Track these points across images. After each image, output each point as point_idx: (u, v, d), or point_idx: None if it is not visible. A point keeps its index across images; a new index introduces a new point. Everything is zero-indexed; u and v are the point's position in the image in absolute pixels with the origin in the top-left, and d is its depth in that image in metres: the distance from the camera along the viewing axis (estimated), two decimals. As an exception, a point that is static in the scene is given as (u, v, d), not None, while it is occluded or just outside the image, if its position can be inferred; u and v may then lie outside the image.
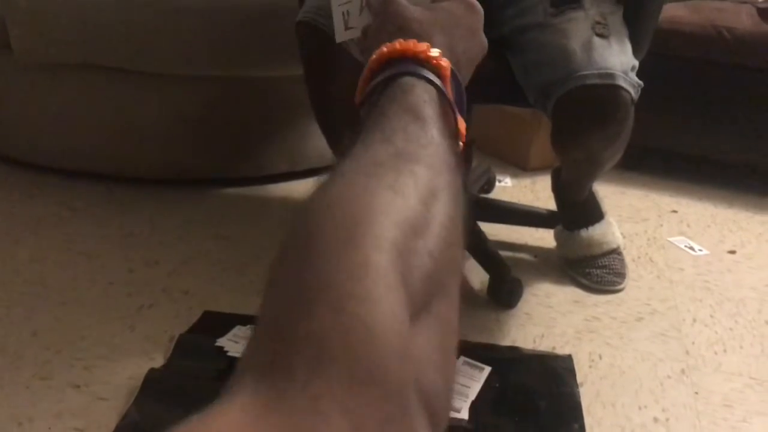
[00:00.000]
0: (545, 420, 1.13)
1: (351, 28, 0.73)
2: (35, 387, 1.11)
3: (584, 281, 1.57)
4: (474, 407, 1.13)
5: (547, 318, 1.44)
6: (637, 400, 1.20)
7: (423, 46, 0.50)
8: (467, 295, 1.50)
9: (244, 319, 1.31)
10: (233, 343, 1.22)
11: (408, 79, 0.48)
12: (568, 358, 1.29)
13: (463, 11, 0.57)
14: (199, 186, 1.93)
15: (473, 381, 1.19)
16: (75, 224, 1.68)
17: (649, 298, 1.55)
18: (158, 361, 1.19)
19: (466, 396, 1.16)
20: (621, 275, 1.59)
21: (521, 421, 1.12)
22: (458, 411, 1.12)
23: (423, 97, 0.47)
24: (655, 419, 1.16)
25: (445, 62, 0.50)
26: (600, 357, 1.32)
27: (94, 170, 1.91)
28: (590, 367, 1.29)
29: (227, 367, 1.17)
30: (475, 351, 1.27)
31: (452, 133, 0.48)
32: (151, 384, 1.11)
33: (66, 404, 1.08)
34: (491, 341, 1.34)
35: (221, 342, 1.22)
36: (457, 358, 1.19)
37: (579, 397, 1.18)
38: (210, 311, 1.35)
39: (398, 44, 0.51)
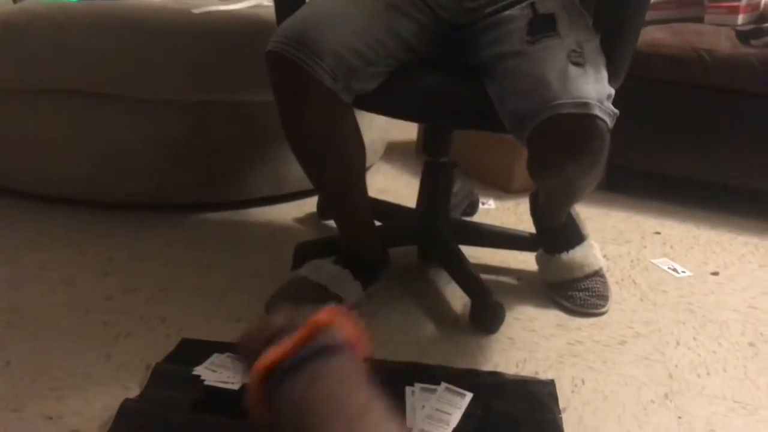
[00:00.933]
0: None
1: None
2: (6, 419, 1.09)
3: (567, 304, 1.57)
4: (455, 435, 1.12)
5: (530, 342, 1.43)
6: (621, 426, 1.19)
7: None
8: (449, 319, 1.49)
9: (221, 347, 1.29)
10: (210, 371, 1.20)
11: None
12: (551, 383, 1.28)
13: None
14: (180, 210, 1.92)
15: (454, 408, 1.18)
16: (53, 250, 1.66)
17: (632, 320, 1.54)
18: (134, 391, 1.17)
19: (447, 423, 1.14)
20: (604, 297, 1.59)
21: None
22: (439, 440, 1.11)
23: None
24: (638, 445, 1.15)
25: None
26: (583, 381, 1.31)
27: (74, 196, 1.90)
28: (573, 392, 1.27)
29: (204, 396, 1.15)
30: (456, 377, 1.26)
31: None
32: (125, 415, 1.09)
33: (39, 435, 1.05)
34: (473, 366, 1.32)
35: (198, 371, 1.20)
36: (438, 385, 1.19)
37: (561, 423, 1.17)
38: (187, 339, 1.33)
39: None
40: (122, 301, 1.46)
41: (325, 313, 0.60)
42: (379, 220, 1.67)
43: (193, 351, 1.28)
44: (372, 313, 1.48)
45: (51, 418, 1.09)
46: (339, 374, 0.54)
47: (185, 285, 1.54)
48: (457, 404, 1.19)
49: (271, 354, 0.57)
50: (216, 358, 1.25)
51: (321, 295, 1.43)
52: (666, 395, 1.28)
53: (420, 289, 1.61)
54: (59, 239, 1.72)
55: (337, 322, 0.61)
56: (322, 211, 1.96)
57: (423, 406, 1.17)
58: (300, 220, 1.94)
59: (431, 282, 1.65)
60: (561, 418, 1.18)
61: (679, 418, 1.21)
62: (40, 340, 1.30)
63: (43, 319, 1.37)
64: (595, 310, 1.56)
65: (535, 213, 1.67)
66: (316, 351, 0.56)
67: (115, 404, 1.11)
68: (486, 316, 1.46)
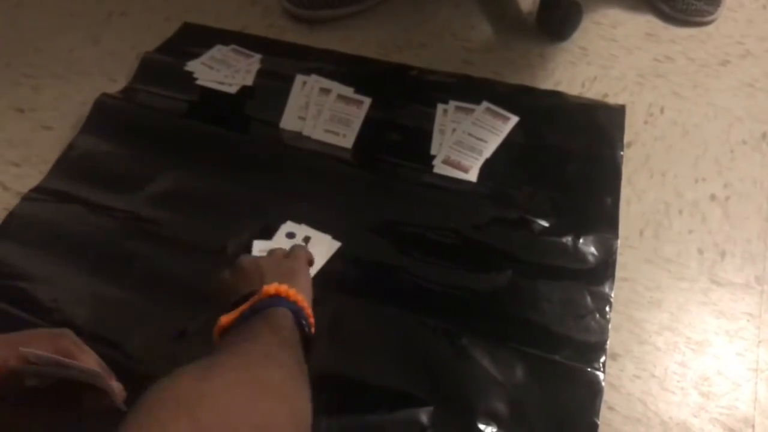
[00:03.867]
0: (574, 188, 0.91)
1: None
2: (-27, 108, 0.96)
3: (665, 8, 1.24)
4: (486, 167, 0.93)
5: (606, 55, 1.15)
6: (696, 171, 0.96)
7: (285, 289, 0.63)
8: (509, 19, 1.21)
9: (227, 37, 1.08)
10: (206, 68, 1.01)
11: (278, 309, 0.61)
12: (620, 110, 1.04)
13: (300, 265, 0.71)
14: None
15: (492, 134, 0.97)
16: None
17: (745, 35, 1.21)
18: (119, 84, 1.00)
19: (480, 153, 0.94)
20: (715, 3, 1.25)
21: (543, 189, 0.90)
22: (466, 171, 0.92)
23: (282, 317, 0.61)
24: (712, 197, 0.93)
25: (300, 297, 0.64)
26: (662, 110, 1.05)
27: None
28: (646, 122, 1.03)
29: (196, 98, 0.98)
30: (502, 95, 1.03)
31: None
32: (100, 113, 0.93)
33: (6, 133, 0.93)
34: (528, 83, 1.08)
35: (192, 66, 1.01)
36: (478, 104, 0.96)
37: (621, 161, 0.95)
38: (190, 23, 1.12)
39: (276, 288, 0.63)
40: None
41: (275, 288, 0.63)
42: None
43: (194, 40, 1.08)
44: (415, 7, 1.21)
45: (23, 110, 0.96)
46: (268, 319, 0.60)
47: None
48: (498, 129, 0.98)
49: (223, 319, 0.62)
50: (217, 51, 1.05)
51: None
52: (764, 136, 1.02)
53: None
54: None
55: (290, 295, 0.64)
56: None
57: (454, 129, 0.97)
58: None
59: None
60: (622, 156, 0.96)
61: (774, 166, 0.97)
62: (22, 14, 1.11)
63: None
64: (700, 18, 1.23)
65: None
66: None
67: (95, 98, 0.96)
68: (557, 18, 1.17)
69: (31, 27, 1.09)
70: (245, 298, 0.63)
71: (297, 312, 0.62)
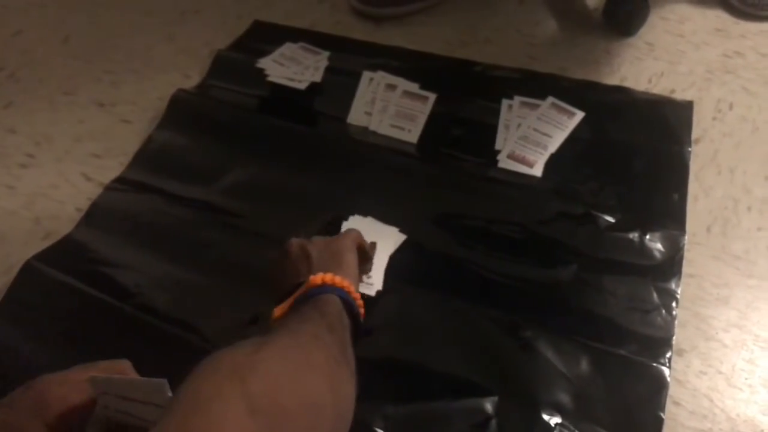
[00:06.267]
0: (640, 184, 0.91)
1: None
2: (59, 103, 1.01)
3: (735, 3, 1.22)
4: (552, 162, 0.93)
5: (674, 51, 1.14)
6: (765, 168, 0.95)
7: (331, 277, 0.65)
8: (575, 14, 1.21)
9: (296, 35, 1.11)
10: (277, 65, 1.04)
11: (326, 296, 0.63)
12: (688, 106, 1.03)
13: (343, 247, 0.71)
14: None
15: (558, 129, 0.97)
16: None
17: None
18: (194, 80, 1.04)
19: (545, 148, 0.95)
20: (788, -4, 1.22)
21: (609, 184, 0.90)
22: (531, 166, 0.93)
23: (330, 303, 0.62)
24: (784, 195, 0.92)
25: (347, 282, 0.65)
26: (730, 106, 1.04)
27: None
28: (714, 118, 1.02)
29: (267, 93, 1.01)
30: (568, 90, 1.03)
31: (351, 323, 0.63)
32: (177, 107, 0.98)
33: (87, 125, 0.97)
34: (594, 78, 1.08)
35: (263, 63, 1.04)
36: (543, 99, 0.96)
37: (689, 157, 0.95)
38: (261, 21, 1.16)
39: (321, 278, 0.64)
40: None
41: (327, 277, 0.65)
42: None
43: (264, 37, 1.11)
44: (480, 4, 1.21)
45: (103, 105, 1.00)
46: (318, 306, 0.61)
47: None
48: (563, 124, 0.98)
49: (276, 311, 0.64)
50: (287, 48, 1.08)
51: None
52: (839, 132, 1.00)
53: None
54: None
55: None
56: None
57: (519, 125, 0.98)
58: None
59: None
60: (690, 151, 0.95)
61: None
62: (102, 14, 1.17)
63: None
64: (771, 12, 1.21)
65: None
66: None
67: (171, 94, 1.00)
68: (624, 13, 1.16)
69: (110, 25, 1.14)
70: (295, 288, 0.66)
71: (344, 297, 0.64)
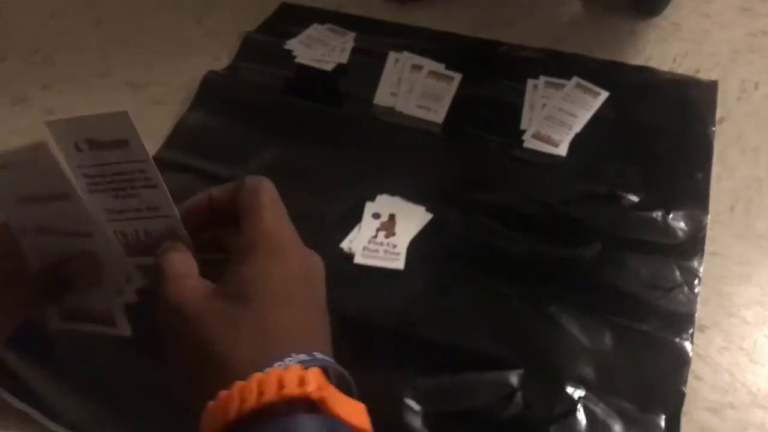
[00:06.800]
0: (664, 164, 0.92)
1: None
2: (93, 85, 1.04)
3: (762, -19, 1.22)
4: (576, 141, 0.94)
5: (699, 30, 1.14)
6: (791, 150, 0.96)
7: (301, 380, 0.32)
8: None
9: (324, 16, 1.12)
10: (304, 46, 1.06)
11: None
12: (713, 86, 1.03)
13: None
14: None
15: (582, 109, 0.98)
16: None
17: None
18: (223, 62, 1.07)
19: (570, 127, 0.96)
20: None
21: (633, 164, 0.92)
22: (556, 145, 0.94)
23: None
24: (808, 173, 0.93)
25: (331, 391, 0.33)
26: (756, 86, 1.04)
27: None
28: (739, 99, 1.02)
29: (294, 75, 1.03)
30: (593, 71, 1.04)
31: None
32: (208, 88, 1.00)
33: (121, 107, 0.99)
34: (618, 58, 1.09)
35: (290, 45, 1.06)
36: (568, 79, 0.97)
37: (713, 137, 0.95)
38: (288, 3, 1.17)
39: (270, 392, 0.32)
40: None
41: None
42: None
43: (291, 19, 1.13)
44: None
45: (136, 86, 1.03)
46: None
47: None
48: (587, 104, 0.99)
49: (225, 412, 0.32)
50: (314, 30, 1.10)
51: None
52: None
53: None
54: None
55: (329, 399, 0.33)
56: None
57: (544, 105, 0.99)
58: None
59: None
60: (714, 131, 0.96)
61: None
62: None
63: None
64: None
65: None
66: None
67: (202, 75, 1.02)
68: (650, -8, 1.17)
69: (141, 9, 1.16)
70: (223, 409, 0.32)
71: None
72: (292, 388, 0.31)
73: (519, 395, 0.71)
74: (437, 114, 0.99)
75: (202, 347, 0.35)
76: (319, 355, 0.35)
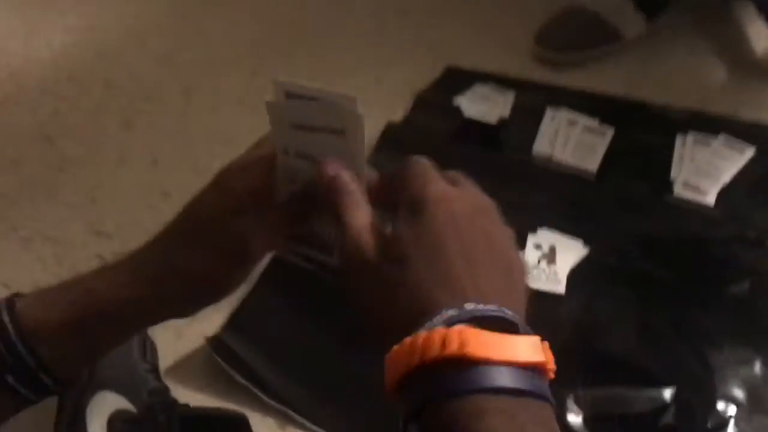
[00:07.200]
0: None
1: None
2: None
3: None
4: (724, 192, 1.02)
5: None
6: None
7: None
8: (745, 63, 1.29)
9: (485, 77, 1.27)
10: (470, 102, 1.20)
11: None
12: None
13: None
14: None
15: (730, 163, 1.06)
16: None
17: None
18: (398, 116, 1.23)
19: (717, 179, 1.04)
20: None
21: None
22: (705, 194, 1.03)
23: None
24: None
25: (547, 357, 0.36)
26: None
27: None
28: None
29: (460, 126, 1.17)
30: (739, 129, 1.12)
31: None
32: (387, 137, 1.16)
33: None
34: (765, 120, 1.16)
35: (457, 101, 1.20)
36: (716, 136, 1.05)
37: None
38: (452, 67, 1.33)
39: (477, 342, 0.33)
40: (394, 25, 1.48)
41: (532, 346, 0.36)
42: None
43: (457, 80, 1.28)
44: (653, 51, 1.33)
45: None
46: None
47: (456, 9, 1.50)
48: (734, 159, 1.07)
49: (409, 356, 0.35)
50: (478, 88, 1.24)
51: (596, 26, 1.31)
52: None
53: (716, 25, 1.39)
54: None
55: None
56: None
57: (693, 159, 1.08)
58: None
59: (732, 18, 1.41)
60: None
61: None
62: (322, 57, 1.39)
63: (323, 35, 1.46)
64: None
65: None
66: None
67: (382, 126, 1.18)
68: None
69: (329, 67, 1.35)
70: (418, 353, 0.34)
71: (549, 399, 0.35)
72: (471, 347, 0.33)
73: (672, 410, 0.79)
74: (591, 163, 1.09)
75: (380, 299, 0.40)
76: (484, 307, 0.36)
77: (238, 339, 0.88)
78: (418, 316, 0.36)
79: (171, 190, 1.12)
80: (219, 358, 0.85)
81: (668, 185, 1.04)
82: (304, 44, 1.43)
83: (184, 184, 1.13)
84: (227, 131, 1.22)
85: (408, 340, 0.34)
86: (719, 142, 1.10)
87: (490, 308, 0.36)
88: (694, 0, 1.42)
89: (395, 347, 0.35)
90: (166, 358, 0.87)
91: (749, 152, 1.08)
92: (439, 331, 0.34)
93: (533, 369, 0.35)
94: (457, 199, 0.43)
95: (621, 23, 1.32)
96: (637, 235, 0.98)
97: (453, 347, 0.32)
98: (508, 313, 0.36)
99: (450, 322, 0.34)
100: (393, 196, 0.45)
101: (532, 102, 1.20)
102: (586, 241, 0.97)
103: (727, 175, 1.05)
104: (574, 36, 1.32)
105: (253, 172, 0.51)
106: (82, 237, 1.07)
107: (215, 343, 0.87)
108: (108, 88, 1.37)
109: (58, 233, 1.08)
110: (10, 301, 0.51)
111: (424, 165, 0.47)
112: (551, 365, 0.36)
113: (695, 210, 1.01)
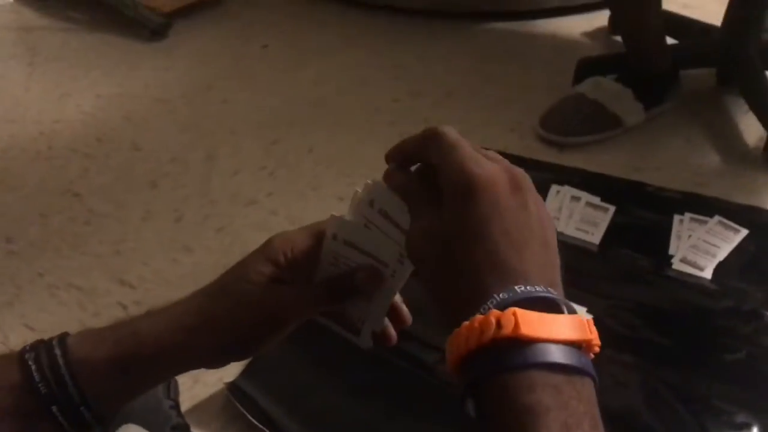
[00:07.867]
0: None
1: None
2: (307, 195, 1.28)
3: None
4: (720, 268, 1.08)
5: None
6: None
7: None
8: (737, 151, 1.38)
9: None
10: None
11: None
12: None
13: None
14: (468, 19, 1.93)
15: (725, 242, 1.13)
16: (349, 53, 1.80)
17: None
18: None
19: (714, 256, 1.10)
20: None
21: (771, 291, 1.05)
22: (702, 269, 1.08)
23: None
24: None
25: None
26: None
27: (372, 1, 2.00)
28: None
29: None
30: (732, 212, 1.19)
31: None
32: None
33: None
34: (756, 204, 1.23)
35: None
36: (710, 217, 1.12)
37: None
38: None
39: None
40: (408, 103, 1.57)
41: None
42: (673, 38, 1.54)
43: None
44: (651, 137, 1.41)
45: (342, 198, 1.26)
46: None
47: (466, 92, 1.60)
48: (729, 239, 1.14)
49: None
50: (487, 164, 1.31)
51: (598, 113, 1.40)
52: None
53: (710, 116, 1.49)
54: (355, 42, 1.85)
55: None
56: (614, 25, 1.84)
57: (689, 236, 1.14)
58: (588, 35, 1.85)
59: (725, 110, 1.51)
60: None
61: None
62: (338, 131, 1.47)
63: (340, 112, 1.55)
64: None
65: None
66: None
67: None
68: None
69: (345, 141, 1.43)
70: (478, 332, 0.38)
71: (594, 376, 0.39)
72: (523, 328, 0.36)
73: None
74: (594, 236, 1.16)
75: (442, 283, 0.43)
76: (532, 288, 0.39)
77: (255, 385, 0.91)
78: (473, 298, 0.40)
79: (193, 245, 1.17)
80: (236, 401, 0.88)
81: (667, 259, 1.10)
82: (323, 119, 1.52)
83: (206, 241, 1.21)
84: (247, 193, 1.28)
85: (466, 324, 0.39)
86: (714, 222, 1.16)
87: (538, 289, 0.40)
88: (691, 92, 1.52)
89: (455, 330, 0.39)
90: (183, 403, 0.90)
91: (742, 234, 1.14)
92: (494, 313, 0.38)
93: (579, 346, 0.39)
94: (500, 179, 0.44)
95: (621, 111, 1.41)
96: (639, 304, 1.03)
97: (508, 329, 0.36)
98: (553, 293, 0.40)
99: (503, 305, 0.38)
100: (426, 159, 0.48)
101: (537, 179, 1.25)
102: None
103: (722, 252, 1.11)
104: (578, 121, 1.41)
105: (300, 246, 0.54)
106: (106, 285, 1.11)
107: (233, 387, 0.91)
108: (135, 150, 1.45)
109: (83, 281, 1.12)
110: (62, 336, 0.53)
111: (458, 138, 0.47)
112: (597, 341, 0.40)
113: (694, 283, 1.06)
